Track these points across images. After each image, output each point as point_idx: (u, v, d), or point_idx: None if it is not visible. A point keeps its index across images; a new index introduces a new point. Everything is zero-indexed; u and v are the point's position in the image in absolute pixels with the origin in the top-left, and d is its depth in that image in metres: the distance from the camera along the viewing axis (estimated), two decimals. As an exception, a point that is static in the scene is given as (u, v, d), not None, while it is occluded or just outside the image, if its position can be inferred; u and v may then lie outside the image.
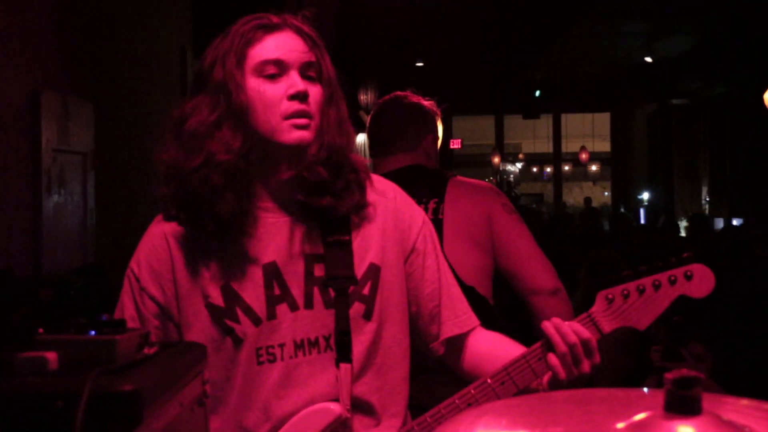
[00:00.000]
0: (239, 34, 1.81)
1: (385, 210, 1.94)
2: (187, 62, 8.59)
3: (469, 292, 2.74)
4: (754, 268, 6.99)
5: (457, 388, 1.95)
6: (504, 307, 3.17)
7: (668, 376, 0.96)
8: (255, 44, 1.81)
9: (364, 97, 11.60)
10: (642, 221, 17.74)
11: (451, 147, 19.57)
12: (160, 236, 1.87)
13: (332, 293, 1.83)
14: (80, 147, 6.19)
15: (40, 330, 1.10)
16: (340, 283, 1.83)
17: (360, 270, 1.86)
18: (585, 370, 1.83)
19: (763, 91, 10.92)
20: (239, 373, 1.82)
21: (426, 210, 2.86)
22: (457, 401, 1.85)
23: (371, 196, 1.93)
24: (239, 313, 1.81)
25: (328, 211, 1.83)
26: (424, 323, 1.98)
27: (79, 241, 6.12)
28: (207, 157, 1.75)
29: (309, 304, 1.83)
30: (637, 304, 1.84)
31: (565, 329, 1.83)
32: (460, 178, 3.03)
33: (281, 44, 1.82)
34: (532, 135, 25.44)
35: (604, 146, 23.48)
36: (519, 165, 27.85)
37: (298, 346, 1.82)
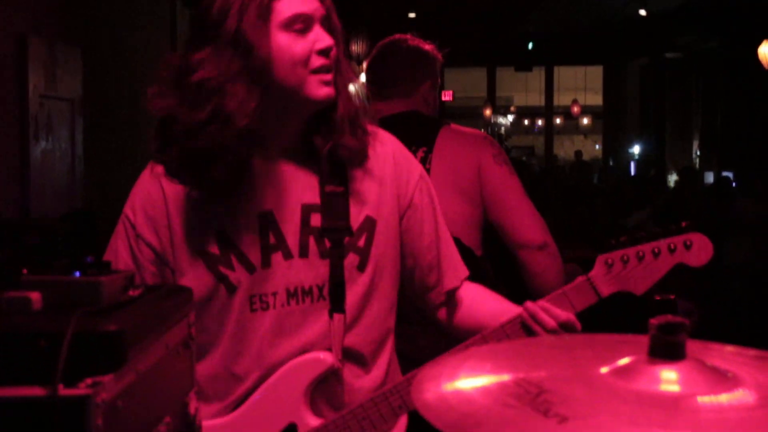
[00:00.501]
0: None
1: (384, 163, 1.93)
2: (176, 8, 8.50)
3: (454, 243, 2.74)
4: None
5: (438, 336, 1.96)
6: (492, 258, 3.17)
7: (653, 321, 0.96)
8: None
9: (355, 48, 11.52)
10: (632, 175, 17.75)
11: (443, 99, 19.48)
12: (155, 182, 1.85)
13: (327, 243, 1.83)
14: (68, 93, 6.14)
15: (25, 270, 1.10)
16: (335, 234, 1.83)
17: (356, 222, 1.86)
18: None
19: (757, 45, 10.88)
20: (232, 320, 1.82)
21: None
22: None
23: (370, 149, 1.92)
24: (234, 260, 1.81)
25: (341, 164, 1.83)
26: (422, 274, 1.99)
27: (66, 188, 6.10)
28: (216, 114, 1.70)
29: (304, 253, 1.83)
30: (636, 270, 1.86)
31: (542, 317, 1.85)
32: (453, 126, 2.99)
33: None
34: (524, 88, 25.34)
35: (596, 99, 23.41)
36: (510, 118, 27.76)
37: (291, 294, 1.82)
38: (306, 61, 1.77)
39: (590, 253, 1.98)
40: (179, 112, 1.74)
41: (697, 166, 16.04)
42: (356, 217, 1.87)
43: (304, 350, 1.83)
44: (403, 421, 1.96)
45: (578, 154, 22.11)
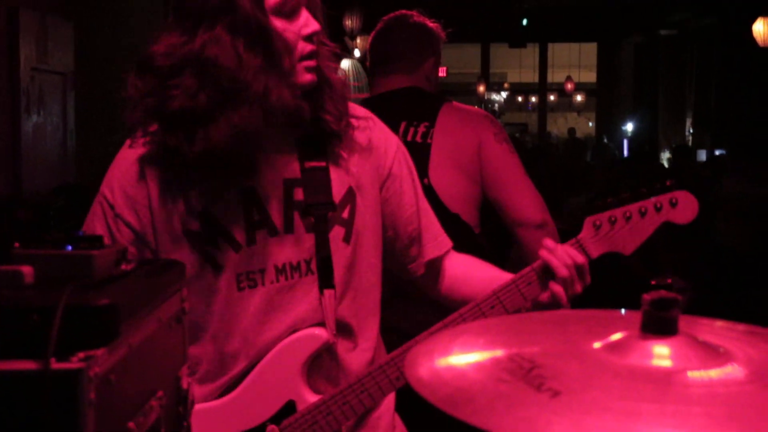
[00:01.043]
0: None
1: (361, 135, 1.92)
2: (169, -18, 8.43)
3: (453, 219, 2.75)
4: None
5: (433, 311, 1.97)
6: (489, 236, 3.18)
7: (646, 297, 0.96)
8: None
9: (350, 23, 11.46)
10: (625, 152, 17.76)
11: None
12: (134, 161, 1.83)
13: (312, 218, 1.83)
14: (60, 67, 6.11)
15: (16, 244, 1.09)
16: (319, 209, 1.83)
17: (338, 194, 1.86)
18: (578, 291, 1.87)
19: (752, 23, 10.86)
20: (220, 300, 1.81)
21: (415, 133, 2.84)
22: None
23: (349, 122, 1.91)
24: (219, 239, 1.80)
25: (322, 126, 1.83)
26: (402, 246, 1.99)
27: (59, 162, 6.09)
28: (259, 102, 1.67)
29: (289, 228, 1.82)
30: (623, 230, 1.87)
31: (560, 253, 1.86)
32: (455, 103, 2.99)
33: None
34: (518, 64, 25.28)
35: (590, 77, 23.37)
36: (504, 94, 27.70)
37: (280, 270, 1.82)
38: (295, 46, 1.76)
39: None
40: (208, 102, 1.67)
41: (690, 144, 16.05)
42: (338, 189, 1.86)
43: (295, 326, 1.83)
44: (391, 396, 1.98)
45: (572, 131, 22.07)
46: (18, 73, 5.40)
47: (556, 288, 1.85)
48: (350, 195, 1.88)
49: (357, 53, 11.77)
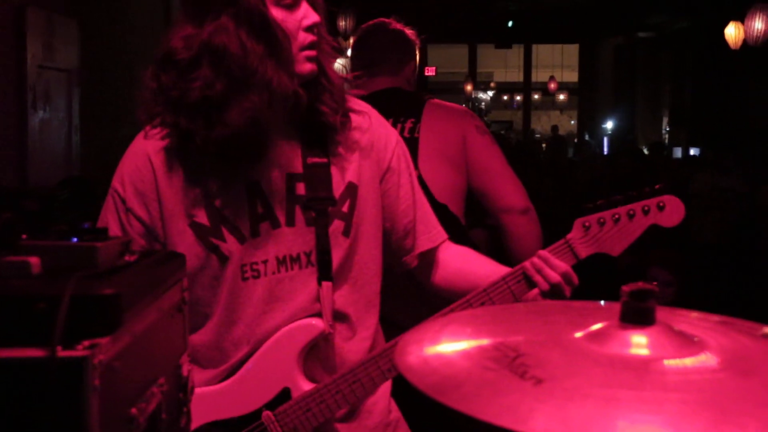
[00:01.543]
0: None
1: (361, 130, 1.92)
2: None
3: (441, 209, 2.76)
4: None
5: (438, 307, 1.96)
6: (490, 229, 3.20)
7: (625, 288, 0.97)
8: None
9: (343, 24, 11.42)
10: (605, 148, 17.78)
11: (426, 74, 19.41)
12: (143, 155, 1.82)
13: (313, 212, 1.82)
14: (65, 64, 6.09)
15: (24, 236, 1.09)
16: (320, 203, 1.83)
17: (338, 189, 1.86)
18: (566, 295, 1.86)
19: (724, 26, 10.89)
20: (225, 290, 1.81)
21: (403, 129, 2.85)
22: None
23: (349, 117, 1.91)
24: (224, 231, 1.79)
25: (322, 120, 1.82)
26: (398, 238, 1.99)
27: (64, 156, 6.07)
28: (265, 88, 1.69)
29: (291, 221, 1.82)
30: (612, 232, 1.87)
31: (546, 271, 1.85)
32: (436, 100, 3.02)
33: None
34: (504, 64, 25.30)
35: (572, 76, 23.39)
36: (490, 93, 27.73)
37: (281, 261, 1.82)
38: (296, 36, 1.76)
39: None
40: (222, 89, 1.68)
41: (666, 141, 16.08)
42: (339, 184, 1.86)
43: (295, 315, 1.82)
44: (387, 382, 1.97)
45: (554, 128, 22.10)
46: (25, 70, 5.38)
47: (539, 297, 1.86)
48: (350, 189, 1.87)
49: (350, 53, 11.72)
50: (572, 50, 22.37)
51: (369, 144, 1.92)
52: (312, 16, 1.77)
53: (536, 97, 24.09)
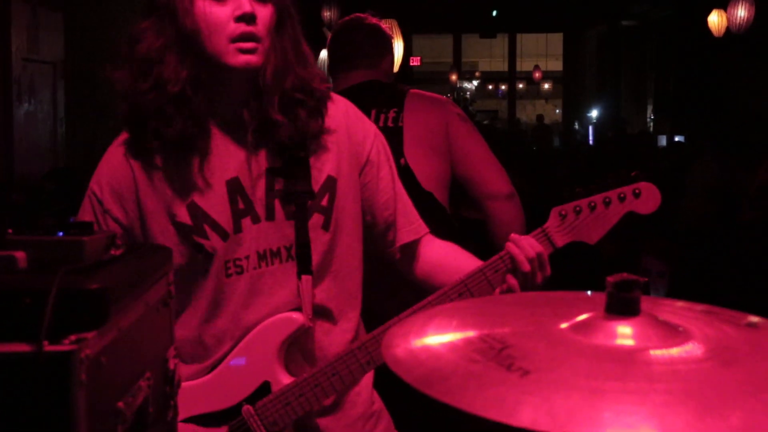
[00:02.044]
0: None
1: (338, 124, 1.90)
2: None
3: (427, 197, 2.76)
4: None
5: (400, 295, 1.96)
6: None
7: (610, 279, 0.97)
8: None
9: (328, 14, 11.37)
10: (590, 137, 17.82)
11: (411, 64, 19.40)
12: (121, 157, 1.82)
13: (293, 206, 1.82)
14: (50, 57, 6.06)
15: (10, 230, 1.08)
16: (298, 198, 1.82)
17: (317, 183, 1.84)
18: (538, 281, 1.84)
19: (707, 14, 10.92)
20: (209, 287, 1.80)
21: (386, 119, 2.85)
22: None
23: (325, 110, 1.89)
24: (207, 229, 1.78)
25: (292, 137, 1.81)
26: (379, 231, 1.98)
27: (49, 148, 6.05)
28: (156, 82, 1.71)
29: (270, 216, 1.81)
30: (588, 219, 1.86)
31: (525, 245, 1.83)
32: (417, 91, 3.02)
33: None
34: (489, 54, 25.30)
35: (557, 65, 23.42)
36: (475, 83, 27.73)
37: (261, 256, 1.81)
38: (225, 28, 1.72)
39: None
40: (129, 82, 1.75)
41: (651, 130, 16.12)
42: (317, 178, 1.85)
43: (277, 310, 1.82)
44: (370, 374, 1.97)
45: (540, 117, 22.12)
46: (10, 62, 5.35)
47: (512, 281, 1.83)
48: (329, 183, 1.86)
49: (327, 48, 11.68)
50: (557, 39, 22.40)
51: (347, 137, 1.91)
52: (244, 7, 1.71)
53: (521, 86, 24.10)
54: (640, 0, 15.55)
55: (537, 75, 21.96)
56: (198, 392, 1.82)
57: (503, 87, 25.24)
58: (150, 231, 1.80)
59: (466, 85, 26.59)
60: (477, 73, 27.30)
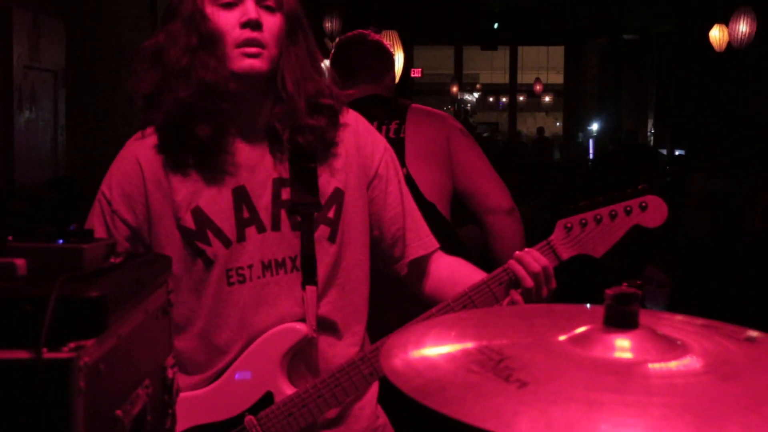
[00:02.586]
0: None
1: (348, 137, 1.92)
2: (156, -17, 8.37)
3: (429, 209, 2.77)
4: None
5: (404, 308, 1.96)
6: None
7: (608, 292, 0.97)
8: None
9: (329, 25, 11.42)
10: (591, 150, 17.82)
11: (412, 75, 19.42)
12: (133, 160, 1.83)
13: (299, 217, 1.82)
14: (51, 65, 6.07)
15: (9, 237, 1.08)
16: (305, 208, 1.82)
17: (325, 195, 1.85)
18: (543, 295, 1.84)
19: (708, 29, 10.94)
20: (210, 294, 1.81)
21: (388, 130, 2.88)
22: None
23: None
24: (210, 235, 1.79)
25: (312, 147, 1.82)
26: (386, 246, 1.98)
27: (50, 156, 6.05)
28: (197, 84, 1.73)
29: (276, 226, 1.82)
30: (594, 233, 1.85)
31: (528, 260, 1.83)
32: (418, 105, 3.06)
33: None
34: (490, 66, 25.32)
35: (558, 78, 23.41)
36: (476, 95, 27.77)
37: (266, 266, 1.81)
38: (231, 33, 1.76)
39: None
40: (163, 89, 1.76)
41: (652, 143, 16.13)
42: (325, 190, 1.85)
43: (281, 320, 1.82)
44: (375, 387, 1.97)
45: (540, 130, 22.13)
46: (11, 70, 5.36)
47: (516, 297, 1.83)
48: (337, 195, 1.87)
49: (330, 62, 11.72)
50: (558, 52, 22.41)
51: (356, 151, 1.92)
52: (248, 13, 1.75)
53: (522, 98, 24.11)
54: (641, 14, 15.57)
55: (538, 88, 21.97)
56: (201, 402, 1.82)
57: (504, 99, 25.26)
58: (156, 234, 1.81)
59: (467, 97, 26.62)
60: (478, 86, 27.34)
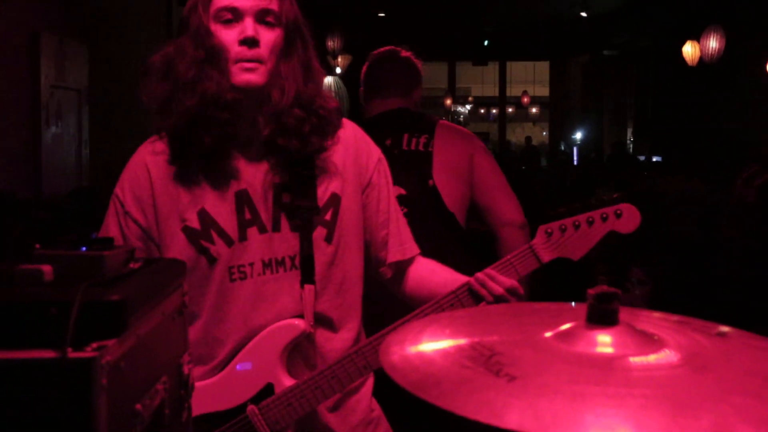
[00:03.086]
0: None
1: (345, 145, 1.92)
2: (171, 7, 8.40)
3: (449, 218, 2.82)
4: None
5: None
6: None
7: (590, 291, 0.97)
8: None
9: (331, 44, 11.42)
10: (575, 157, 17.82)
11: (409, 89, 19.37)
12: (142, 166, 1.85)
13: (298, 219, 1.82)
14: (75, 84, 6.08)
15: (37, 246, 1.09)
16: (304, 212, 1.82)
17: (322, 199, 1.85)
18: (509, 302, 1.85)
19: (682, 45, 10.96)
20: (213, 290, 1.81)
21: (417, 143, 2.92)
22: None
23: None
24: (214, 234, 1.80)
25: (294, 151, 1.82)
26: (375, 249, 1.98)
27: (74, 169, 6.05)
28: (201, 95, 1.74)
29: (277, 227, 1.82)
30: (572, 238, 1.86)
31: (490, 285, 1.84)
32: (446, 122, 3.09)
33: None
34: (481, 80, 25.36)
35: (544, 91, 23.45)
36: (468, 107, 27.77)
37: (266, 264, 1.81)
38: (231, 50, 1.77)
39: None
40: (172, 100, 1.78)
41: (631, 150, 16.13)
42: (323, 194, 1.86)
43: (279, 316, 1.82)
44: (370, 381, 1.97)
45: (528, 139, 22.13)
46: (39, 89, 5.37)
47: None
48: (334, 199, 1.87)
49: (338, 70, 11.77)
50: (544, 67, 22.43)
51: (353, 159, 1.92)
52: (246, 31, 1.76)
53: (511, 110, 24.10)
54: (621, 32, 15.59)
55: (525, 100, 21.99)
56: (204, 393, 1.82)
57: (494, 111, 25.26)
58: (162, 233, 1.82)
59: (460, 109, 26.61)
60: (470, 98, 27.36)
